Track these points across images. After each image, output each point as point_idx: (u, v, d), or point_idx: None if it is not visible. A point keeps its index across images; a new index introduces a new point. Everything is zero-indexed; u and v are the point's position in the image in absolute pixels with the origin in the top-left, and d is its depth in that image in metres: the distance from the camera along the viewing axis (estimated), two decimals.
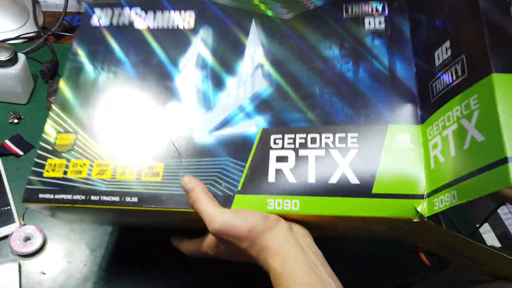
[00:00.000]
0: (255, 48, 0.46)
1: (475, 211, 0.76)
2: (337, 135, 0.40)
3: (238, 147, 0.41)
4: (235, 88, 0.44)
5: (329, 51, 0.44)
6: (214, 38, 0.47)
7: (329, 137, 0.40)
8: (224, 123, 0.43)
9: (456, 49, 0.36)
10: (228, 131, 0.42)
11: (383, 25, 0.44)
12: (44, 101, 0.76)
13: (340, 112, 0.41)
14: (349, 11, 0.45)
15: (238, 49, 0.46)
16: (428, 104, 0.38)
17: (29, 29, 0.86)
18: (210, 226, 0.37)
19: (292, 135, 0.41)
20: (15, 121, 0.72)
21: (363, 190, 0.37)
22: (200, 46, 0.47)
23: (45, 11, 0.93)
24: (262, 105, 0.43)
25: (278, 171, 0.39)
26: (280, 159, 0.40)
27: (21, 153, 0.68)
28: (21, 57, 0.71)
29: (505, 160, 0.28)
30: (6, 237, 0.59)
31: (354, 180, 0.38)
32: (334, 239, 0.45)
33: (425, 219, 0.35)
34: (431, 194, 0.35)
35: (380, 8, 0.45)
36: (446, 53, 0.37)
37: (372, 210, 0.36)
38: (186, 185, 0.40)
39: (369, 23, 0.44)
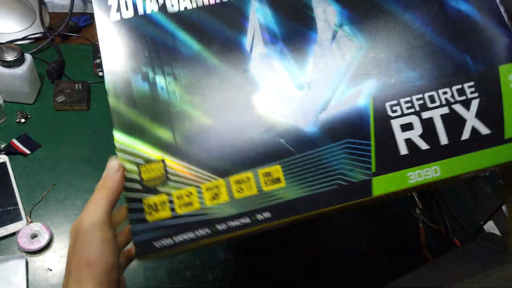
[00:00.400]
0: (324, 7, 0.39)
1: None
2: (454, 88, 0.38)
3: (354, 124, 0.37)
4: (321, 57, 0.38)
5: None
6: (270, 4, 0.39)
7: (446, 92, 0.38)
8: (327, 101, 0.37)
9: None
10: (336, 109, 0.37)
11: None
12: (50, 100, 0.77)
13: (445, 64, 0.38)
14: None
15: (304, 12, 0.39)
16: None
17: (36, 29, 0.87)
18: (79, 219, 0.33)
19: (408, 98, 0.37)
20: (22, 120, 0.73)
21: (496, 137, 0.37)
22: (260, 18, 0.39)
23: (51, 12, 0.94)
24: (360, 70, 0.38)
25: (407, 141, 0.37)
26: (405, 127, 0.37)
27: (28, 152, 0.69)
28: (28, 57, 0.72)
29: None
30: (13, 234, 0.60)
31: (485, 130, 0.37)
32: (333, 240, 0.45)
33: None
34: None
35: None
36: None
37: (509, 155, 0.37)
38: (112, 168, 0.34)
39: None
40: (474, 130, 0.37)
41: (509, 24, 0.39)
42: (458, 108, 0.37)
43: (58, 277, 0.58)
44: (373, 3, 0.39)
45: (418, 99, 0.37)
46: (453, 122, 0.37)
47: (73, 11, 0.89)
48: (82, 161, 0.71)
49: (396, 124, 0.37)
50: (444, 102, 0.37)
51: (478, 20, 0.39)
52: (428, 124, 0.37)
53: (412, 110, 0.37)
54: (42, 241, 0.59)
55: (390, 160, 0.36)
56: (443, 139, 0.37)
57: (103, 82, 0.83)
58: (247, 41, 0.38)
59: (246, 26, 0.39)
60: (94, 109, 0.79)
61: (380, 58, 0.38)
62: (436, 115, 0.37)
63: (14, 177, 0.66)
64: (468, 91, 0.38)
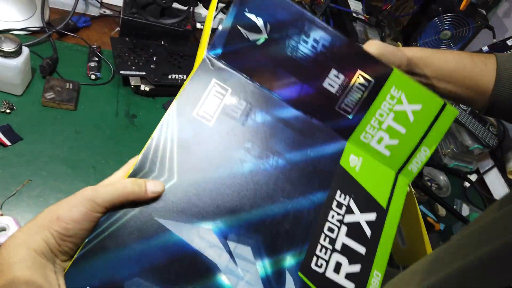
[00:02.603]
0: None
1: None
2: (335, 210, 0.41)
3: None
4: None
5: None
6: None
7: (333, 216, 0.41)
8: None
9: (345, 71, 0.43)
10: None
11: None
12: (39, 95, 0.77)
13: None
14: None
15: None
16: (345, 121, 0.44)
17: (35, 22, 0.88)
18: None
19: (319, 246, 0.40)
20: (7, 111, 0.73)
21: (381, 214, 0.43)
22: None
23: (52, 7, 0.95)
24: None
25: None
26: (336, 267, 0.40)
27: (8, 143, 0.69)
28: (25, 50, 0.72)
29: (444, 104, 0.44)
30: None
31: (372, 215, 0.42)
32: None
33: None
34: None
35: None
36: (338, 78, 0.43)
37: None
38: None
39: None
40: (368, 222, 0.41)
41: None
42: (349, 218, 0.41)
43: None
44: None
45: (324, 244, 0.39)
46: (355, 229, 0.41)
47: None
48: (61, 160, 0.72)
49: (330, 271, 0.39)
50: (338, 225, 0.40)
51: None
52: (345, 249, 0.40)
53: (328, 250, 0.39)
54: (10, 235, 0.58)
55: None
56: (361, 249, 0.40)
57: (94, 84, 0.87)
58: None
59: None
60: (81, 110, 0.80)
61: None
62: (342, 236, 0.40)
63: None
64: (344, 202, 0.41)
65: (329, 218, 0.40)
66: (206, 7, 1.06)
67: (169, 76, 0.88)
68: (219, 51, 0.41)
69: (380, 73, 0.43)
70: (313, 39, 0.42)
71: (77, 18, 0.94)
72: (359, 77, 0.43)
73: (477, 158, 1.10)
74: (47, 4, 0.93)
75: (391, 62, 0.47)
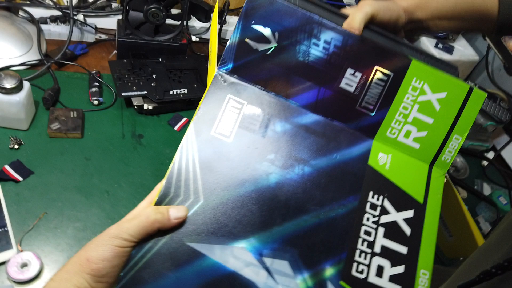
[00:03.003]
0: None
1: None
2: (369, 212, 0.39)
3: None
4: None
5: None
6: None
7: (368, 218, 0.39)
8: None
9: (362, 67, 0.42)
10: None
11: None
12: (44, 127, 0.77)
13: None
14: None
15: None
16: (368, 119, 0.42)
17: (33, 56, 0.88)
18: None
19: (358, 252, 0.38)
20: (16, 146, 0.73)
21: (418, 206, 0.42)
22: None
23: (48, 39, 0.96)
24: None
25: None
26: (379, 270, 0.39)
27: (20, 178, 0.69)
28: (26, 84, 0.73)
29: (471, 89, 0.42)
30: (3, 263, 0.59)
31: (409, 213, 0.40)
32: None
33: None
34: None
35: None
36: (355, 76, 0.42)
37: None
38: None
39: None
40: (406, 220, 0.40)
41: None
42: (386, 218, 0.39)
43: None
44: None
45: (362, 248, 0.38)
46: (393, 229, 0.39)
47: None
48: (74, 189, 0.72)
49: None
50: (375, 227, 0.39)
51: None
52: (385, 251, 0.38)
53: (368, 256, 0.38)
54: (33, 271, 0.58)
55: None
56: (403, 249, 0.39)
57: (98, 110, 0.87)
58: None
59: None
60: (88, 137, 0.80)
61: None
62: (380, 238, 0.39)
63: (5, 204, 0.66)
64: (378, 202, 0.40)
65: (364, 221, 0.39)
66: (200, 19, 1.06)
67: (171, 92, 0.88)
68: (229, 66, 0.41)
69: (399, 65, 0.42)
70: (324, 41, 0.41)
71: (74, 46, 0.95)
72: (377, 73, 0.42)
73: (492, 135, 1.08)
74: (43, 37, 0.94)
75: (388, 16, 0.46)
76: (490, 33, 0.54)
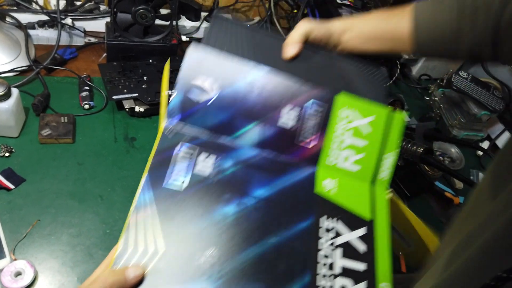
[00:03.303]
0: None
1: None
2: (325, 228, 0.42)
3: None
4: None
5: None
6: None
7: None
8: None
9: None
10: None
11: None
12: (35, 134, 0.77)
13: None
14: None
15: None
16: (308, 150, 0.45)
17: (21, 62, 0.87)
18: None
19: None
20: (6, 154, 0.73)
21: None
22: None
23: (36, 44, 0.95)
24: None
25: None
26: None
27: (12, 186, 0.69)
28: (14, 91, 0.72)
29: (391, 113, 0.47)
30: None
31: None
32: None
33: None
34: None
35: None
36: (291, 112, 0.45)
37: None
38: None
39: None
40: (360, 238, 0.42)
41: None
42: (341, 239, 0.41)
43: None
44: None
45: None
46: (350, 249, 0.41)
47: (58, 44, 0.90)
48: (67, 195, 0.71)
49: None
50: (332, 248, 0.41)
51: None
52: (346, 271, 0.40)
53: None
54: (27, 279, 0.58)
55: None
56: (361, 266, 0.40)
57: (89, 114, 0.87)
58: None
59: None
60: (80, 141, 0.79)
61: None
62: (339, 259, 0.40)
63: None
64: (331, 226, 0.42)
65: (321, 246, 0.41)
66: (189, 19, 1.05)
67: None
68: (177, 118, 0.43)
69: (327, 97, 0.46)
70: (257, 87, 0.45)
71: (63, 51, 0.94)
72: (310, 106, 0.46)
73: (486, 124, 1.08)
74: (31, 42, 0.93)
75: (321, 34, 0.52)
76: (410, 54, 0.53)
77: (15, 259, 0.60)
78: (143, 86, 0.87)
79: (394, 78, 1.14)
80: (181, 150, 0.42)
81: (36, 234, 0.65)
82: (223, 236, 0.39)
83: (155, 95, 0.86)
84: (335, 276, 0.39)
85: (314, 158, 0.45)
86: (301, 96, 0.46)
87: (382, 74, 0.54)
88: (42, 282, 0.60)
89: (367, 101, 0.47)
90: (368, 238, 0.42)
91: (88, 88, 0.87)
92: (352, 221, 0.42)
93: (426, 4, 0.54)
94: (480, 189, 0.44)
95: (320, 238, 0.41)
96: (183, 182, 0.40)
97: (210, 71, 0.45)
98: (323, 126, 0.46)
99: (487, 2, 0.48)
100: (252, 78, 0.45)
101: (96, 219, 0.69)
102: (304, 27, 0.51)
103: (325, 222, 0.42)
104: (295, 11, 1.23)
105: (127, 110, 0.85)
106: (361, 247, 0.41)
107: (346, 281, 0.39)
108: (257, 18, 1.26)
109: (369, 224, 0.43)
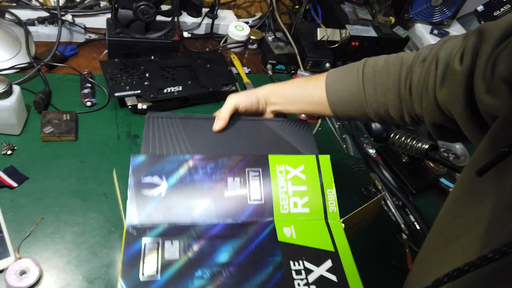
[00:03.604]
0: None
1: None
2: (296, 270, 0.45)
3: None
4: None
5: None
6: None
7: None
8: None
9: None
10: None
11: None
12: (37, 131, 0.76)
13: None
14: None
15: None
16: (260, 207, 0.50)
17: (22, 59, 0.86)
18: None
19: None
20: (9, 152, 0.72)
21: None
22: None
23: (36, 41, 0.94)
24: None
25: None
26: None
27: (15, 184, 0.68)
28: (16, 88, 0.71)
29: (317, 157, 0.54)
30: (1, 271, 0.58)
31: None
32: None
33: None
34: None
35: None
36: (235, 180, 0.51)
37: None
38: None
39: None
40: (329, 270, 0.46)
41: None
42: (312, 276, 0.45)
43: None
44: None
45: None
46: (322, 282, 0.44)
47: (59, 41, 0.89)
48: (71, 193, 0.70)
49: None
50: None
51: None
52: None
53: None
54: (32, 278, 0.57)
55: None
56: None
57: (91, 111, 0.86)
58: None
59: None
60: (82, 139, 0.79)
61: None
62: None
63: (1, 211, 0.64)
64: (300, 267, 0.45)
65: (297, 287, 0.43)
66: (191, 15, 1.04)
67: (165, 90, 0.87)
68: (136, 219, 0.47)
69: (261, 161, 0.53)
70: (201, 168, 0.51)
71: (64, 48, 0.93)
72: (249, 172, 0.52)
73: None
74: (31, 39, 0.92)
75: (250, 102, 0.60)
76: (331, 117, 0.65)
77: (20, 258, 0.59)
78: (145, 83, 0.86)
79: None
80: (147, 247, 0.45)
81: (40, 232, 0.64)
82: None
83: (158, 92, 0.86)
84: None
85: (269, 210, 0.50)
86: (240, 164, 0.52)
87: (307, 126, 0.62)
88: (47, 281, 0.59)
89: (293, 156, 0.54)
90: (336, 268, 0.46)
91: (89, 85, 0.86)
92: (318, 256, 0.46)
93: (336, 71, 0.60)
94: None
95: (294, 280, 0.44)
96: (157, 270, 0.43)
97: (155, 170, 0.50)
98: (266, 182, 0.52)
99: (388, 66, 0.54)
100: (193, 164, 0.51)
101: (100, 217, 0.68)
102: (231, 102, 0.58)
103: (295, 265, 0.45)
104: (297, 6, 1.22)
105: (129, 107, 0.85)
106: (333, 277, 0.45)
107: None
108: (258, 14, 1.25)
109: (334, 255, 0.47)
